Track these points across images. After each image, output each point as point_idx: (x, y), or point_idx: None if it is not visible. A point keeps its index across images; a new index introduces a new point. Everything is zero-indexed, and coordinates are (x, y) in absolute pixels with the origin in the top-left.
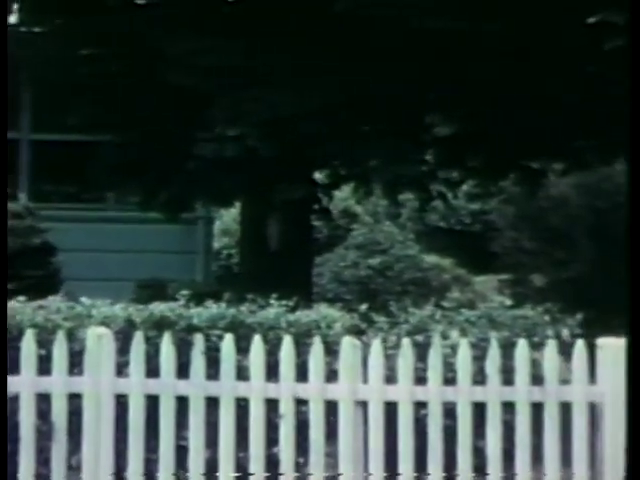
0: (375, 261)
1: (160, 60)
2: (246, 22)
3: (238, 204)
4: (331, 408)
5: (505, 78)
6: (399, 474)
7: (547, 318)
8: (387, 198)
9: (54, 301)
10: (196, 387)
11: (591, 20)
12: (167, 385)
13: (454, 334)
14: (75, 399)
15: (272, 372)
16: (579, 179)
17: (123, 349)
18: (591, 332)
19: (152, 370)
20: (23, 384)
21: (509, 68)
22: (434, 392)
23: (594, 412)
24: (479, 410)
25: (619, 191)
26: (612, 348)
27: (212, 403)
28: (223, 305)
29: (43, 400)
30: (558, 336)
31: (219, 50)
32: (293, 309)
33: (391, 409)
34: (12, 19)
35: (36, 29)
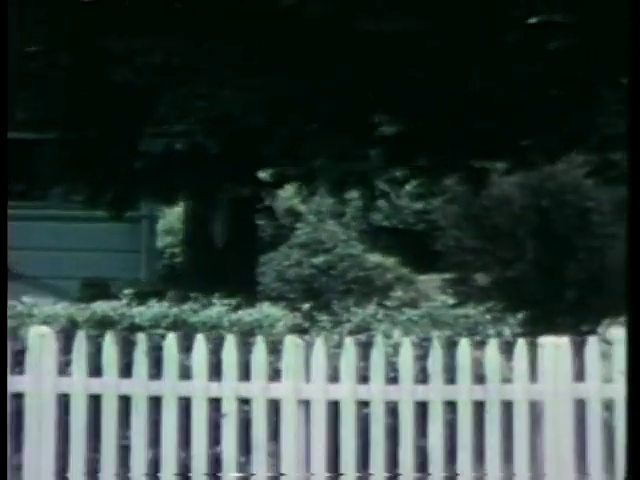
0: (319, 260)
1: (107, 57)
2: (193, 20)
3: (182, 203)
4: (274, 407)
5: (449, 78)
6: (342, 473)
7: (489, 317)
8: (332, 196)
9: None
10: (139, 386)
11: (533, 20)
12: (109, 384)
13: (396, 333)
14: (17, 398)
15: (215, 371)
16: (522, 178)
17: (65, 348)
18: (532, 331)
19: (94, 369)
20: None
21: (453, 68)
22: (376, 391)
23: (535, 410)
24: (421, 409)
25: (562, 190)
26: (553, 347)
27: (155, 402)
28: (166, 304)
29: None
30: (500, 335)
31: (166, 48)
32: (236, 308)
33: (334, 408)
34: None
35: None
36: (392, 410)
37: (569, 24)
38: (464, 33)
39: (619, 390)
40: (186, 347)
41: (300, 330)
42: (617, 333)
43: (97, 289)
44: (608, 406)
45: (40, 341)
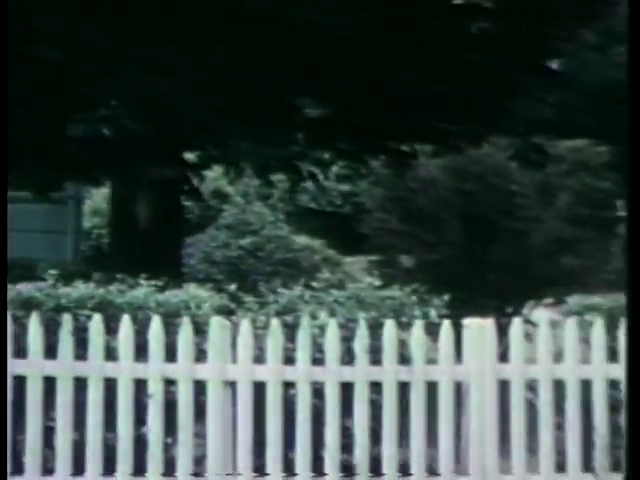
0: (246, 242)
1: (35, 40)
2: (119, 4)
3: (109, 184)
4: (200, 388)
5: (374, 63)
6: (267, 454)
7: (415, 298)
8: (259, 179)
9: None
10: (64, 367)
11: (457, 1)
12: (35, 365)
13: (323, 314)
14: None
15: (141, 352)
16: (448, 161)
17: None
18: (457, 312)
19: (20, 350)
20: None
21: (378, 54)
22: (303, 372)
23: (460, 391)
24: (347, 390)
25: (487, 173)
26: (478, 328)
27: (80, 383)
28: (92, 285)
29: None
30: (425, 316)
31: (94, 32)
32: (162, 289)
33: (260, 389)
34: None
35: None
36: (318, 391)
37: (492, 9)
38: (387, 19)
39: (542, 371)
40: (112, 328)
41: (226, 311)
42: (541, 315)
43: (22, 270)
44: (532, 387)
45: None
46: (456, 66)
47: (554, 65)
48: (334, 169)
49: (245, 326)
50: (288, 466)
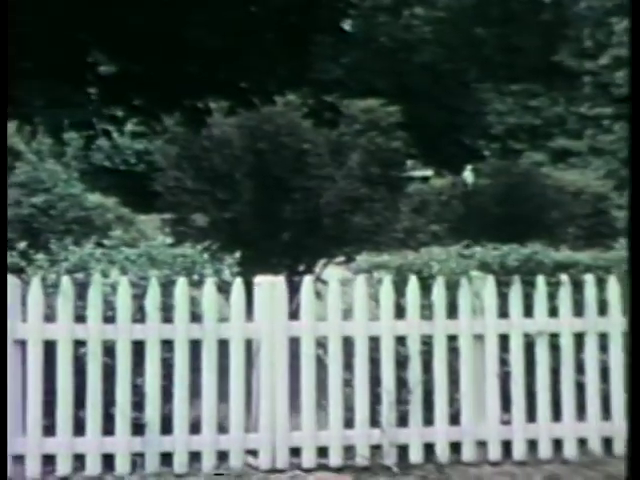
0: (38, 200)
1: None
2: None
3: None
4: None
5: (167, 18)
6: (58, 413)
7: (207, 256)
8: (51, 137)
9: None
10: None
11: None
12: None
13: (114, 272)
14: None
15: None
16: (242, 120)
17: None
18: (249, 270)
19: None
20: None
21: (170, 8)
22: (94, 330)
23: (251, 348)
24: (138, 348)
25: (280, 132)
26: (269, 286)
27: None
28: None
29: None
30: (217, 274)
31: None
32: None
33: (50, 348)
34: None
35: None
36: (109, 349)
37: None
38: None
39: (332, 328)
40: None
41: (17, 269)
42: (332, 273)
43: None
44: (321, 343)
45: None
46: (249, 23)
47: (347, 26)
48: (129, 127)
49: (35, 284)
50: (78, 424)
